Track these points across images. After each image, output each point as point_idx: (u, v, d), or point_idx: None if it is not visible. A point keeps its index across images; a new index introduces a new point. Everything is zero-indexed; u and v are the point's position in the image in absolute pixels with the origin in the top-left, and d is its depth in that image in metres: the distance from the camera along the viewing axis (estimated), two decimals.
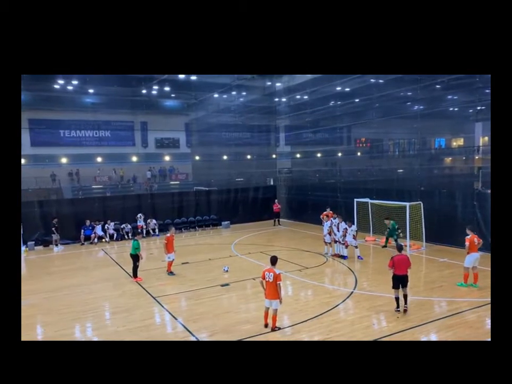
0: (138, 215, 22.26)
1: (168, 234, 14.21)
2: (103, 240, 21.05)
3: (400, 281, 9.87)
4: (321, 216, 17.90)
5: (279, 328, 8.96)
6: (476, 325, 8.97)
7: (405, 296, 9.96)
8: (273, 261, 8.95)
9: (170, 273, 13.99)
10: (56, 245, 19.83)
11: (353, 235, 15.43)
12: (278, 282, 8.64)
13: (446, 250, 16.17)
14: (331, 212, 18.35)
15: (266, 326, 9.05)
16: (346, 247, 15.57)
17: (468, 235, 11.88)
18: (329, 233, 16.13)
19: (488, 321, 9.37)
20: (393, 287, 10.04)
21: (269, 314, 9.03)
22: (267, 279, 8.76)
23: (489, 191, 20.41)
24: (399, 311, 9.77)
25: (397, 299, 9.96)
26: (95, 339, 8.97)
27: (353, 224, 16.41)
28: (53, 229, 19.65)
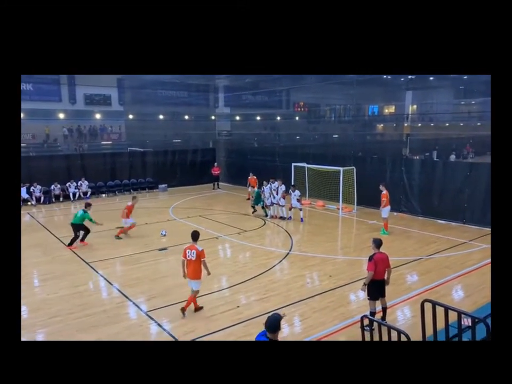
0: (68, 184, 21.19)
1: (130, 204, 13.95)
2: (29, 203, 19.67)
3: (380, 288, 7.41)
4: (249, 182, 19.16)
5: (202, 308, 8.28)
6: (398, 282, 9.78)
7: (385, 310, 7.57)
8: (195, 236, 8.08)
9: (118, 237, 13.66)
10: None
11: (297, 199, 16.02)
12: (202, 259, 7.91)
13: (375, 213, 17.16)
14: (254, 177, 20.29)
15: (183, 310, 7.99)
16: (290, 209, 16.22)
17: (383, 191, 13.90)
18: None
19: (409, 278, 10.28)
20: (370, 299, 7.42)
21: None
22: (189, 258, 7.91)
23: (415, 157, 21.84)
24: (373, 329, 6.16)
25: (374, 314, 7.33)
26: (23, 308, 8.51)
27: (296, 189, 16.67)
28: None
